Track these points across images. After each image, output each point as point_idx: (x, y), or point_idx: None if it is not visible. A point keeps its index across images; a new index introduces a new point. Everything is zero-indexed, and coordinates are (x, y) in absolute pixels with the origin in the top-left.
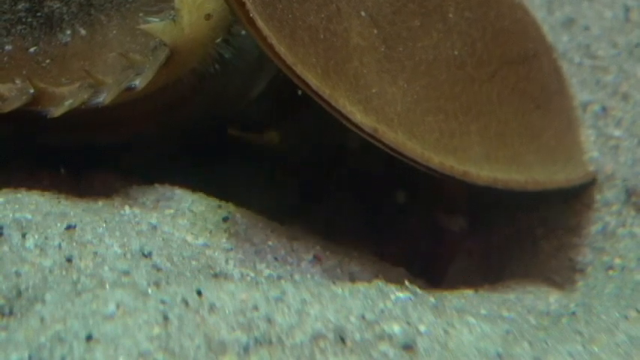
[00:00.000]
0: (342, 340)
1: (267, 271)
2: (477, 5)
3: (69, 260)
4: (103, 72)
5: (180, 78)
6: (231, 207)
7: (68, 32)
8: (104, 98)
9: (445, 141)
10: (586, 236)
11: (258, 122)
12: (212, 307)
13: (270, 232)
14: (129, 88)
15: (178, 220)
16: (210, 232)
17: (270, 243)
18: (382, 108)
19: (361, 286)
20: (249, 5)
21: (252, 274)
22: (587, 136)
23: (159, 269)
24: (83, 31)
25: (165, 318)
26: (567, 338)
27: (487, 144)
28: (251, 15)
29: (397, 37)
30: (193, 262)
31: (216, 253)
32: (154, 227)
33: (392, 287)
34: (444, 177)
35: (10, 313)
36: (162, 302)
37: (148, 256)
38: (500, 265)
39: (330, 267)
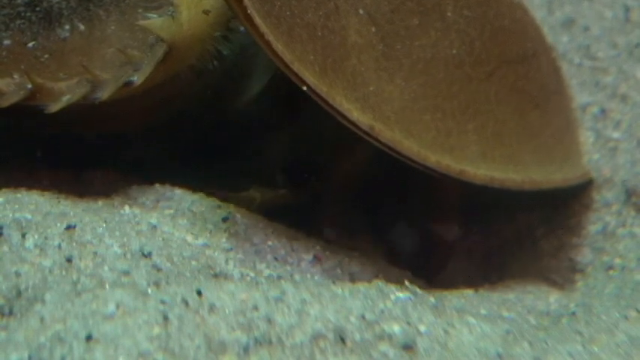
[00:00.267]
0: (342, 340)
1: (267, 271)
2: (475, 4)
3: (69, 260)
4: (101, 67)
5: (179, 74)
6: (231, 207)
7: (67, 27)
8: (102, 94)
9: (442, 140)
10: (586, 236)
11: (258, 121)
12: (212, 307)
13: (271, 232)
14: (127, 84)
15: (178, 220)
16: (210, 232)
17: (270, 243)
18: (379, 106)
19: (361, 286)
20: (246, 2)
21: (252, 274)
22: (587, 137)
23: (159, 269)
24: (82, 27)
25: (165, 318)
26: (567, 338)
27: (484, 143)
28: (249, 12)
29: (395, 36)
30: (193, 262)
31: (216, 253)
32: (154, 227)
33: (392, 287)
34: (440, 177)
35: (10, 313)
36: (162, 302)
37: (147, 256)
38: (501, 265)
39: (330, 267)
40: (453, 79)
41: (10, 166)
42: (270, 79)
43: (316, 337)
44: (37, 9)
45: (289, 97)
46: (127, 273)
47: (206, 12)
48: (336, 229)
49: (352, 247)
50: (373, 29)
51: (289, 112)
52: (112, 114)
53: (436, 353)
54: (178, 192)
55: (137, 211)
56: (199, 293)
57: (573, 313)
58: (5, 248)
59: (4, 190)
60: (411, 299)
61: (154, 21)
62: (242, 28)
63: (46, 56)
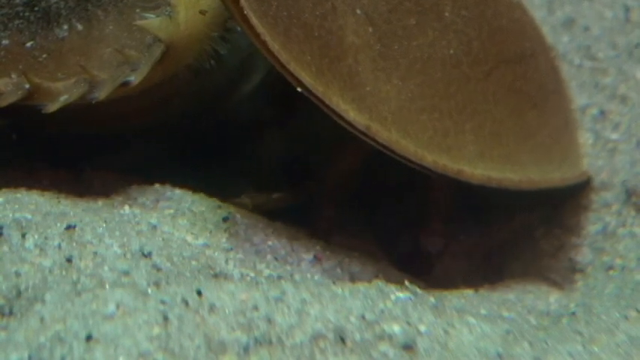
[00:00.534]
0: (342, 340)
1: (267, 271)
2: (473, 4)
3: (69, 260)
4: (98, 67)
5: (176, 74)
6: (231, 207)
7: (65, 27)
8: (99, 94)
9: (439, 139)
10: (586, 236)
11: (252, 119)
12: (212, 307)
13: (271, 232)
14: (124, 84)
15: (178, 220)
16: (210, 232)
17: (270, 243)
18: (376, 106)
19: (361, 286)
20: (243, 2)
21: (252, 274)
22: (586, 138)
23: (159, 269)
24: (80, 27)
25: (165, 318)
26: (567, 338)
27: (482, 143)
28: (245, 12)
29: (392, 36)
30: (193, 262)
31: (216, 253)
32: (154, 227)
33: (392, 287)
34: (437, 177)
35: (10, 313)
36: (162, 302)
37: (147, 256)
38: (500, 265)
39: (330, 267)
40: (451, 79)
41: (10, 166)
42: (265, 76)
43: (316, 337)
44: (36, 9)
45: (284, 96)
46: (127, 273)
47: (203, 12)
48: (334, 230)
49: (352, 247)
50: (370, 29)
51: (284, 110)
52: (110, 114)
53: (436, 353)
54: (178, 192)
55: (137, 211)
56: (199, 293)
57: (573, 313)
58: (5, 248)
59: (4, 190)
60: (411, 299)
61: (152, 21)
62: (239, 28)
63: (44, 56)
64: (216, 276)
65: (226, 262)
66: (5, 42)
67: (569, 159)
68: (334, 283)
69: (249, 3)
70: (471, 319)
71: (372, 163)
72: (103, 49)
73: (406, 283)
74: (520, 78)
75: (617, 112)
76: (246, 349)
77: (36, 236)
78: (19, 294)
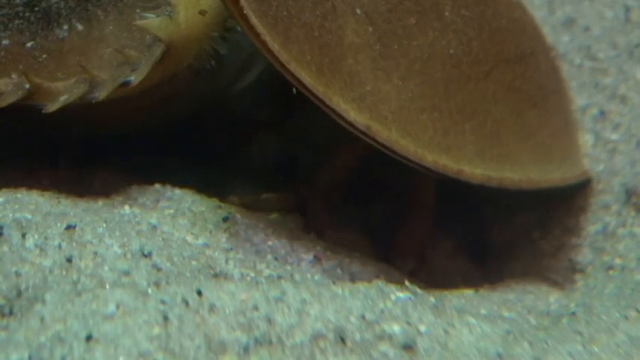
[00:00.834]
0: (342, 340)
1: (267, 271)
2: (473, 4)
3: (69, 260)
4: (98, 67)
5: (176, 74)
6: (231, 207)
7: (65, 27)
8: (99, 93)
9: (439, 139)
10: (586, 236)
11: (247, 117)
12: (212, 307)
13: (271, 232)
14: (124, 84)
15: (178, 220)
16: (210, 232)
17: (270, 243)
18: (376, 106)
19: (361, 286)
20: (242, 2)
21: (252, 274)
22: (586, 139)
23: (159, 269)
24: (80, 27)
25: (166, 318)
26: (567, 338)
27: (481, 142)
28: (245, 12)
29: (392, 35)
30: (193, 262)
31: (216, 253)
32: (154, 227)
33: (392, 287)
34: (437, 177)
35: (10, 313)
36: (163, 302)
37: (148, 256)
38: (500, 265)
39: (330, 267)
40: (451, 79)
41: (10, 166)
42: (262, 75)
43: (316, 337)
44: (36, 9)
45: (282, 96)
46: (127, 273)
47: (203, 12)
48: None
49: (343, 242)
50: (370, 29)
51: (282, 110)
52: (110, 114)
53: (436, 353)
54: (178, 192)
55: (137, 211)
56: (199, 293)
57: (573, 313)
58: (5, 248)
59: (4, 190)
60: (411, 299)
61: (152, 21)
62: (239, 28)
63: (45, 56)
64: (216, 276)
65: (226, 262)
66: (5, 42)
67: (570, 158)
68: (334, 283)
69: (249, 3)
70: (471, 319)
71: (366, 162)
72: (103, 49)
73: (406, 283)
74: (520, 78)
75: (617, 113)
76: (246, 349)
77: (36, 236)
78: (19, 294)
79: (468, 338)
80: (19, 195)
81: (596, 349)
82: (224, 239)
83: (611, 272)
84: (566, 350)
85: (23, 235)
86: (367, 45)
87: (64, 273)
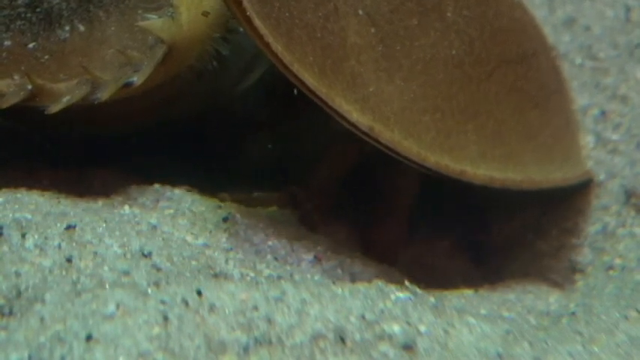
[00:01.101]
0: (342, 340)
1: (267, 271)
2: (475, 4)
3: (69, 260)
4: (101, 68)
5: (178, 74)
6: (231, 207)
7: (67, 28)
8: (102, 94)
9: (441, 140)
10: (586, 236)
11: (248, 119)
12: (212, 307)
13: (271, 232)
14: (126, 85)
15: (178, 220)
16: (210, 232)
17: (270, 243)
18: (378, 107)
19: (361, 286)
20: (245, 3)
21: (252, 274)
22: (587, 139)
23: (159, 269)
24: (82, 28)
25: (165, 318)
26: (567, 338)
27: (484, 143)
28: (248, 13)
29: (394, 36)
30: (193, 262)
31: (216, 253)
32: (154, 227)
33: (392, 287)
34: (439, 177)
35: (10, 313)
36: (162, 302)
37: (147, 256)
38: (500, 265)
39: (330, 267)
40: (453, 80)
41: (10, 166)
42: (261, 76)
43: (316, 337)
44: (38, 10)
45: (283, 96)
46: (127, 273)
47: (205, 13)
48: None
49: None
50: (372, 30)
51: (282, 111)
52: (112, 114)
53: (436, 353)
54: (178, 192)
55: (137, 211)
56: (199, 293)
57: (573, 313)
58: (5, 248)
59: (4, 190)
60: (411, 299)
61: (154, 22)
62: (241, 30)
63: (46, 57)
64: (216, 276)
65: (226, 262)
66: (7, 43)
67: (571, 158)
68: (334, 283)
69: (252, 4)
70: (471, 319)
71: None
72: (105, 51)
73: (406, 283)
74: (521, 78)
75: (617, 113)
76: (246, 349)
77: (36, 236)
78: (19, 294)
79: (467, 338)
80: (18, 195)
81: (596, 349)
82: (224, 239)
83: (611, 272)
84: (566, 350)
85: (23, 235)
86: (369, 46)
87: (63, 273)
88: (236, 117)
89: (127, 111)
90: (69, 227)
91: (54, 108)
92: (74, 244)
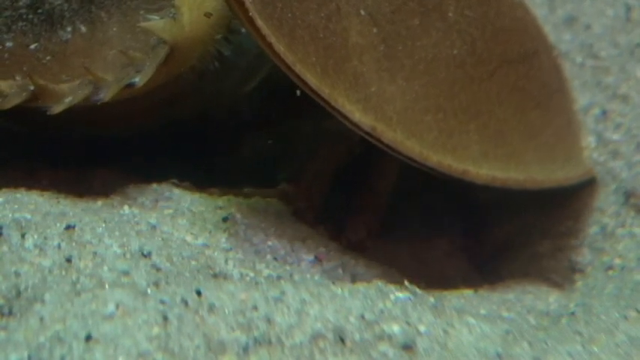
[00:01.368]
0: (342, 340)
1: (266, 272)
2: (476, 4)
3: (68, 260)
4: (103, 69)
5: (180, 75)
6: (232, 207)
7: (69, 29)
8: (104, 95)
9: (443, 140)
10: (585, 237)
11: (252, 119)
12: (211, 307)
13: (272, 232)
14: (129, 85)
15: (178, 220)
16: (210, 232)
17: (269, 243)
18: (381, 106)
19: (361, 286)
20: (248, 4)
21: (251, 274)
22: (588, 138)
23: (158, 269)
24: (84, 29)
25: (165, 318)
26: (567, 338)
27: (486, 142)
28: (250, 14)
29: (396, 36)
30: (193, 262)
31: (215, 253)
32: (154, 227)
33: (391, 287)
34: (441, 177)
35: (10, 313)
36: (162, 302)
37: (147, 256)
38: (499, 265)
39: (331, 268)
40: (455, 79)
41: (10, 166)
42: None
43: (316, 337)
44: (39, 11)
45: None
46: (126, 273)
47: (207, 14)
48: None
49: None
50: (374, 30)
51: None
52: (114, 115)
53: (436, 353)
54: (177, 192)
55: (136, 211)
56: (199, 293)
57: (573, 313)
58: (5, 248)
59: (4, 190)
60: (410, 299)
61: (156, 23)
62: (243, 30)
63: (48, 58)
64: (215, 276)
65: (226, 262)
66: (9, 44)
67: (573, 158)
68: (334, 283)
69: (254, 5)
70: (471, 320)
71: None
72: (107, 51)
73: (406, 283)
74: (523, 77)
75: (618, 112)
76: (245, 349)
77: (35, 236)
78: (18, 294)
79: (467, 338)
80: (18, 195)
81: (595, 349)
82: (223, 239)
83: (610, 272)
84: (566, 350)
85: (23, 235)
86: (371, 46)
87: (63, 273)
88: (240, 117)
89: (129, 112)
90: (68, 227)
91: (56, 109)
92: (74, 244)
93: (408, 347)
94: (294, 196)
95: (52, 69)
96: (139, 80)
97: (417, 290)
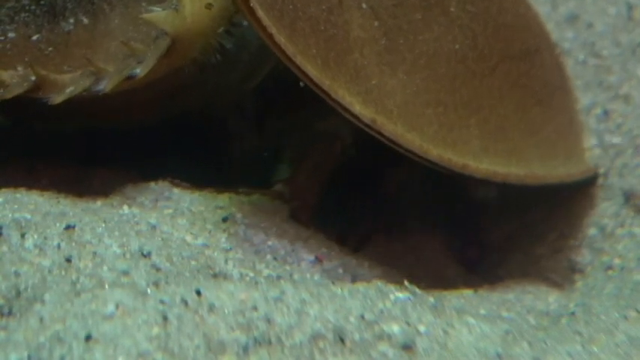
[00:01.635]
0: (342, 340)
1: (266, 271)
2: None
3: (68, 260)
4: (104, 60)
5: (182, 67)
6: (232, 207)
7: (71, 20)
8: (105, 86)
9: (444, 133)
10: (585, 237)
11: (256, 115)
12: (211, 307)
13: (273, 232)
14: (130, 77)
15: (177, 220)
16: (210, 232)
17: (269, 243)
18: (381, 99)
19: (360, 286)
20: None
21: (251, 274)
22: (589, 138)
23: (158, 269)
24: (86, 20)
25: (165, 318)
26: (567, 338)
27: (486, 137)
28: (251, 5)
29: (398, 30)
30: (192, 262)
31: (215, 253)
32: (153, 227)
33: (391, 287)
34: (442, 171)
35: (10, 313)
36: (162, 302)
37: (147, 256)
38: (499, 265)
39: (331, 268)
40: (456, 74)
41: (10, 165)
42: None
43: (315, 337)
44: (42, 2)
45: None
46: (126, 273)
47: (209, 6)
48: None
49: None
50: (376, 23)
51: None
52: (115, 107)
53: (435, 353)
54: (177, 192)
55: (136, 210)
56: (199, 293)
57: (573, 313)
58: (5, 248)
59: (3, 190)
60: (410, 299)
61: (158, 14)
62: (245, 23)
63: (50, 49)
64: (215, 276)
65: (225, 262)
66: (11, 35)
67: (574, 154)
68: (333, 283)
69: None
70: (471, 320)
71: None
72: (108, 43)
73: (405, 283)
74: (525, 74)
75: (619, 112)
76: (245, 349)
77: (35, 236)
78: (18, 294)
79: (467, 338)
80: (18, 195)
81: (595, 349)
82: (223, 239)
83: (610, 272)
84: (566, 350)
85: (22, 235)
86: (373, 39)
87: (63, 273)
88: (244, 113)
89: (130, 103)
90: (68, 227)
91: (57, 99)
92: (73, 244)
93: (407, 347)
94: (288, 197)
95: (54, 60)
96: (139, 71)
97: (417, 290)
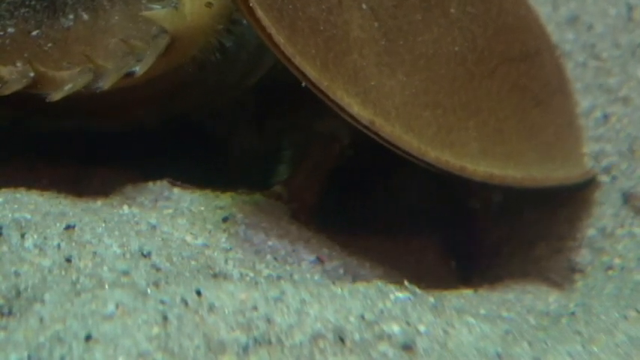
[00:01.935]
0: (342, 340)
1: (266, 271)
2: (479, 1)
3: (68, 260)
4: (103, 57)
5: (181, 65)
6: (232, 207)
7: (71, 17)
8: (104, 83)
9: (442, 135)
10: (585, 237)
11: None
12: (211, 307)
13: (274, 232)
14: (129, 74)
15: (177, 220)
16: (210, 232)
17: (270, 243)
18: (380, 101)
19: (360, 286)
20: None
21: (251, 274)
22: (588, 139)
23: (158, 269)
24: (86, 16)
25: (165, 318)
26: (567, 338)
27: (485, 140)
28: (251, 4)
29: (398, 31)
30: (193, 262)
31: (215, 253)
32: (153, 227)
33: (391, 287)
34: (440, 173)
35: (10, 313)
36: (162, 302)
37: (147, 256)
38: (498, 266)
39: (332, 268)
40: (455, 76)
41: (10, 164)
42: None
43: (315, 337)
44: None
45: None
46: (126, 273)
47: (209, 4)
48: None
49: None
50: (376, 24)
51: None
52: (114, 104)
53: (435, 353)
54: (177, 192)
55: (136, 210)
56: (199, 293)
57: (573, 313)
58: (5, 248)
59: (3, 190)
60: (410, 299)
61: (158, 12)
62: (245, 21)
63: (50, 45)
64: (215, 276)
65: (226, 262)
66: (11, 30)
67: (573, 157)
68: (333, 283)
69: None
70: (471, 319)
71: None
72: (108, 40)
73: (405, 283)
74: (524, 76)
75: (618, 115)
76: (245, 349)
77: (35, 236)
78: (18, 294)
79: (467, 338)
80: (18, 195)
81: (595, 349)
82: (223, 239)
83: (610, 272)
84: (566, 350)
85: (22, 235)
86: (372, 40)
87: (63, 273)
88: (246, 110)
89: (129, 101)
90: (68, 227)
91: (56, 95)
92: (73, 244)
93: (407, 347)
94: (287, 198)
95: (53, 56)
96: (138, 69)
97: (417, 290)
